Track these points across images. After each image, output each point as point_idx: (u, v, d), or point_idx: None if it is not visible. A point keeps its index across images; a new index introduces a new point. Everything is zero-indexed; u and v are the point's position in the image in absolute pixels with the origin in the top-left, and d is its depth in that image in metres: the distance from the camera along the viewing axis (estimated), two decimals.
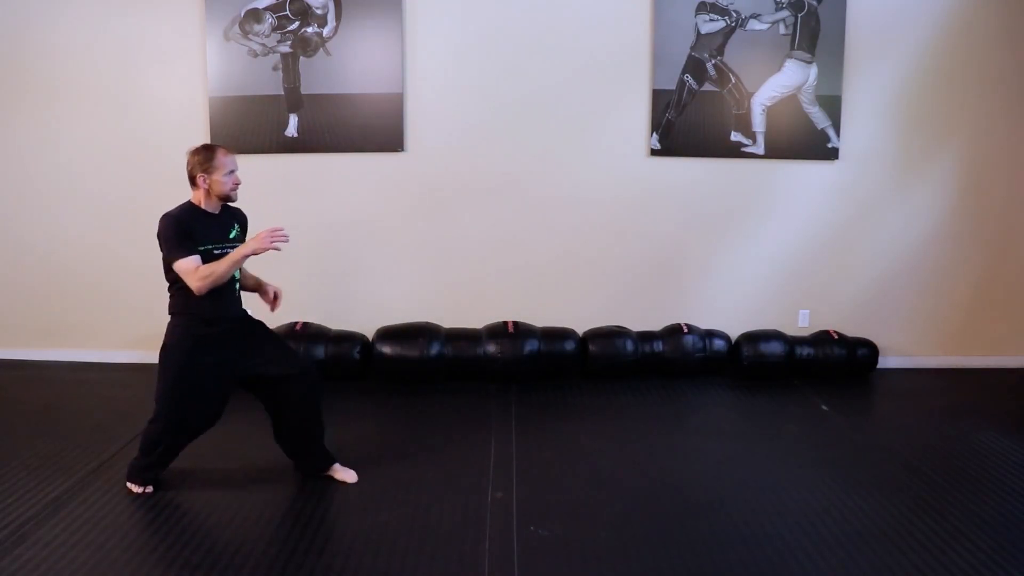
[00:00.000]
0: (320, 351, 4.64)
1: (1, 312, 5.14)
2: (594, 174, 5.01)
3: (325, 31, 4.82)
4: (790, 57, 4.89)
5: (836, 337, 4.94)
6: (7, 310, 5.13)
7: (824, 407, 4.38)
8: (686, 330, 4.91)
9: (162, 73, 4.88)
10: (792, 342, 4.91)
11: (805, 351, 4.88)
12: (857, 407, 4.47)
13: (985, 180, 5.06)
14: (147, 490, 3.20)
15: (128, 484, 3.23)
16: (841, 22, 4.85)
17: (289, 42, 4.82)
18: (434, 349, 4.67)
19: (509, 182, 4.99)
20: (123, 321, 5.09)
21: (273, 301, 3.33)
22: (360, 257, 5.08)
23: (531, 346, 4.71)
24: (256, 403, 4.35)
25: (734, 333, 5.03)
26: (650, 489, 3.30)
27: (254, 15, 4.80)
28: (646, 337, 4.90)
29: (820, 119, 4.95)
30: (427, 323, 4.85)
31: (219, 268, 2.96)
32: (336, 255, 5.05)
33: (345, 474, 3.35)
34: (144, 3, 4.82)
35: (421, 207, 5.01)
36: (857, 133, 4.98)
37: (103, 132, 4.93)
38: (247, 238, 3.21)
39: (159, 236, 3.03)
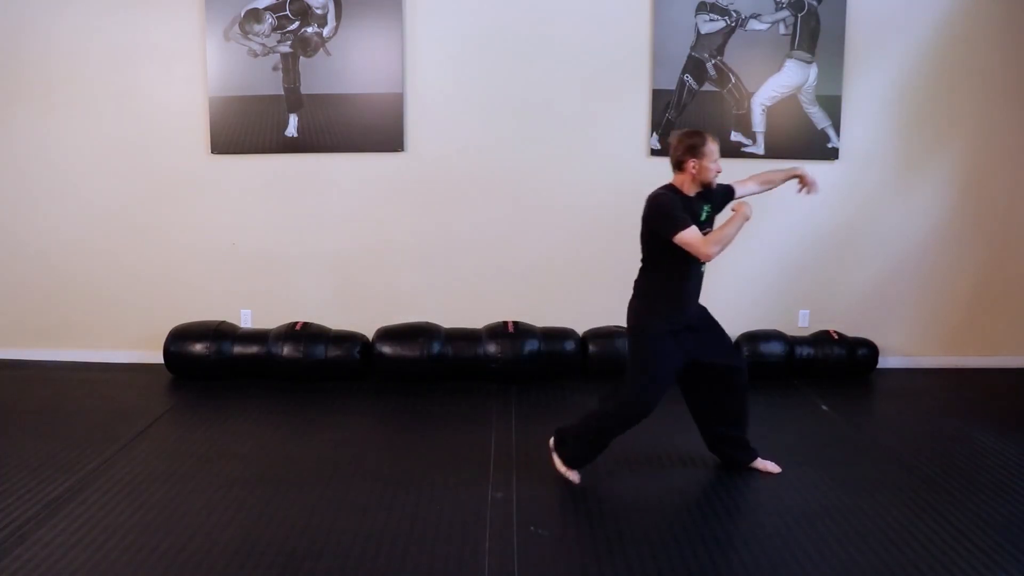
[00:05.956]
0: (320, 351, 4.64)
1: (1, 312, 5.14)
2: (594, 174, 5.01)
3: (325, 31, 4.82)
4: (790, 57, 4.89)
5: (836, 337, 4.94)
6: (7, 310, 5.13)
7: (824, 407, 4.37)
8: None
9: (162, 73, 4.89)
10: (792, 342, 4.90)
11: (805, 351, 4.88)
12: (857, 407, 4.47)
13: (985, 180, 5.06)
14: (576, 479, 3.29)
15: (560, 466, 3.30)
16: (841, 22, 4.85)
17: (289, 42, 4.83)
18: (434, 349, 4.67)
19: (509, 182, 4.99)
20: (123, 321, 5.09)
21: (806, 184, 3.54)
22: (360, 257, 5.08)
23: (531, 346, 4.71)
24: (251, 401, 4.39)
25: (734, 333, 5.01)
26: (650, 489, 3.29)
27: (254, 15, 4.80)
28: None
29: (820, 119, 4.94)
30: (427, 323, 4.85)
31: (729, 232, 3.09)
32: (336, 255, 5.05)
33: (768, 465, 3.42)
34: (144, 3, 4.83)
35: (421, 207, 5.01)
36: (857, 133, 4.98)
37: (103, 132, 4.93)
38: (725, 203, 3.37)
39: (654, 213, 3.14)
